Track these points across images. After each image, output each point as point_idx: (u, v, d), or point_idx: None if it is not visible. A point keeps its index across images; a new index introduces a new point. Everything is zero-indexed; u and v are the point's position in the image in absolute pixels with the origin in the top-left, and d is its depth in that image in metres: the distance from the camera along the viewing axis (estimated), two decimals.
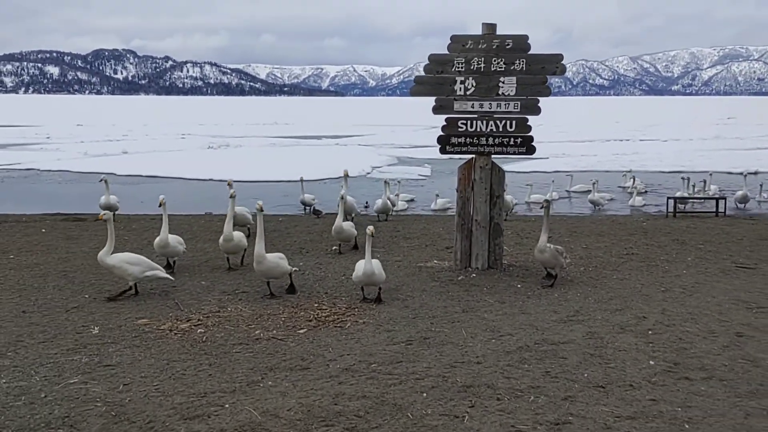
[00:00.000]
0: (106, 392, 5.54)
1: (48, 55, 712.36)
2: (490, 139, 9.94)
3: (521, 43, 9.75)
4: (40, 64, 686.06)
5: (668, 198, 17.68)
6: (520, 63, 9.70)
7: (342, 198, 11.49)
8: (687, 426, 5.00)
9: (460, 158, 10.29)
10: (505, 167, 10.32)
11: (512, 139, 9.94)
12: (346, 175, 14.14)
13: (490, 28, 9.84)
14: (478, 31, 9.95)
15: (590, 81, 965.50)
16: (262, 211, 8.66)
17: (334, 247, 11.62)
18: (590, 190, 21.04)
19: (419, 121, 68.68)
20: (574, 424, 5.01)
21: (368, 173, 27.57)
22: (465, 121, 9.98)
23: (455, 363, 6.20)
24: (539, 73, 9.74)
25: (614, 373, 5.98)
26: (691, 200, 18.23)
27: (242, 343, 6.75)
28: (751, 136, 49.60)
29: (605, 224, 14.69)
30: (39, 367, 6.09)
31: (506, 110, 9.85)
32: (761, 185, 20.65)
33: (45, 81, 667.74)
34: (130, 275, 8.31)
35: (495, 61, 9.73)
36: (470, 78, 9.82)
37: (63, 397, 5.43)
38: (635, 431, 4.93)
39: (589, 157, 34.48)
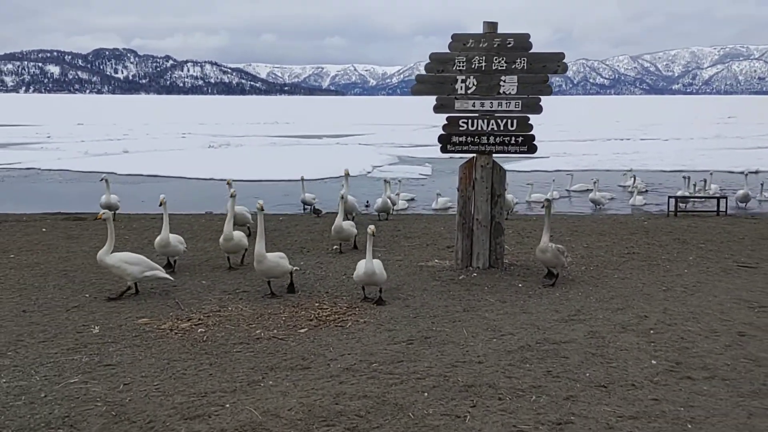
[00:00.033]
0: (106, 392, 5.52)
1: (48, 54, 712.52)
2: (492, 138, 9.91)
3: (522, 41, 9.73)
4: (40, 64, 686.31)
5: (669, 197, 17.65)
6: (521, 62, 9.68)
7: (342, 197, 11.48)
8: (690, 426, 4.98)
9: (460, 157, 10.27)
10: (506, 166, 10.30)
11: (513, 138, 9.92)
12: (347, 175, 14.12)
13: (492, 26, 9.82)
14: (478, 30, 9.94)
15: (591, 80, 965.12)
16: (262, 210, 8.64)
17: (334, 247, 11.61)
18: (590, 189, 21.02)
19: (420, 121, 68.69)
20: (576, 424, 4.99)
21: (369, 172, 27.55)
22: (466, 120, 9.96)
23: (456, 362, 6.19)
24: (540, 72, 9.72)
25: (616, 373, 5.96)
26: (692, 199, 18.20)
27: (243, 343, 6.73)
28: (752, 135, 49.57)
29: (606, 223, 14.67)
30: (39, 366, 6.07)
31: (507, 109, 9.83)
32: (762, 184, 20.61)
33: (45, 80, 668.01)
34: (129, 275, 8.29)
35: (496, 59, 9.71)
36: (471, 77, 9.80)
37: (63, 397, 5.42)
38: (638, 431, 4.91)
39: (590, 156, 34.45)
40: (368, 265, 7.97)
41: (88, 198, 19.01)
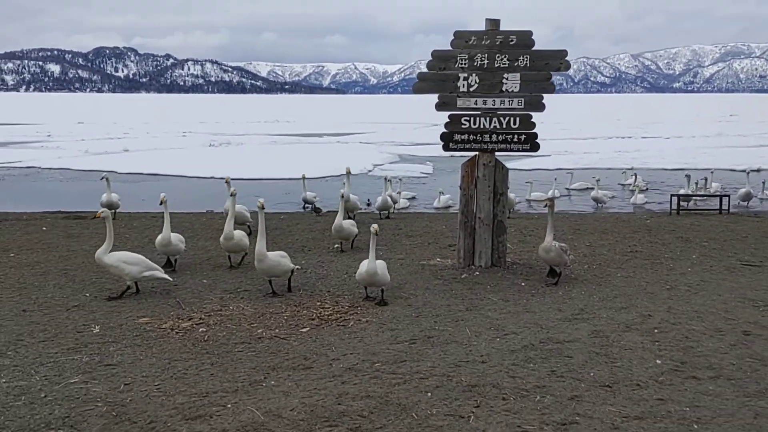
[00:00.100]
0: (106, 392, 5.48)
1: (49, 53, 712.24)
2: (494, 136, 9.86)
3: (525, 39, 9.67)
4: (41, 63, 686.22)
5: (672, 195, 17.59)
6: (523, 59, 9.62)
7: (342, 196, 11.43)
8: (696, 426, 4.93)
9: (462, 156, 10.22)
10: (507, 165, 10.25)
11: (516, 136, 9.86)
12: (348, 173, 14.07)
13: (494, 23, 9.76)
14: (480, 28, 9.88)
15: (591, 78, 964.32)
16: (263, 208, 8.59)
17: (336, 245, 11.56)
18: (590, 188, 20.99)
19: (421, 119, 68.64)
20: (581, 425, 4.94)
21: (370, 171, 27.51)
22: (468, 118, 9.91)
23: (460, 362, 6.14)
24: (543, 70, 9.66)
25: (621, 373, 5.91)
26: (694, 197, 18.15)
27: (244, 342, 6.68)
28: (754, 134, 49.51)
29: (608, 222, 14.62)
30: (39, 366, 6.03)
31: (510, 107, 9.77)
32: (764, 182, 20.56)
33: (46, 79, 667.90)
34: (128, 275, 8.23)
35: (498, 57, 9.65)
36: (474, 74, 9.74)
37: (63, 397, 5.37)
38: (643, 431, 4.86)
39: (591, 155, 34.41)
40: (370, 265, 7.91)
41: (88, 197, 18.98)
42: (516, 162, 28.14)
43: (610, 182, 23.03)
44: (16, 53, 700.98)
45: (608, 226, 13.95)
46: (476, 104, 9.83)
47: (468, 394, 5.45)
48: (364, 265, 8.01)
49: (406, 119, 74.18)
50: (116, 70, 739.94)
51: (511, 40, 9.65)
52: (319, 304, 8.06)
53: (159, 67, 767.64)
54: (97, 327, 7.15)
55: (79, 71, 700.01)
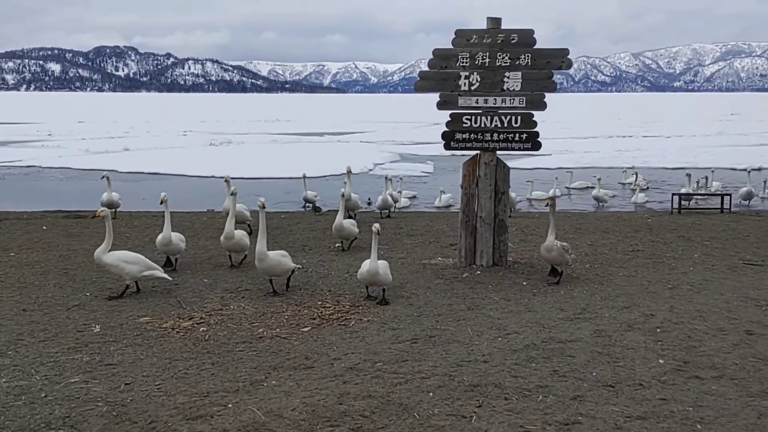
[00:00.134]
0: (107, 392, 5.45)
1: (49, 52, 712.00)
2: (495, 135, 9.83)
3: (526, 37, 9.64)
4: (41, 62, 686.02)
5: (673, 194, 17.57)
6: (525, 58, 9.59)
7: (343, 195, 11.39)
8: (699, 426, 4.90)
9: (462, 155, 10.19)
10: (507, 164, 10.21)
11: (517, 135, 9.84)
12: (349, 172, 14.05)
13: (495, 22, 9.73)
14: (481, 27, 9.84)
15: (592, 77, 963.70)
16: (264, 208, 8.56)
17: (337, 245, 11.53)
18: (590, 187, 20.99)
19: (421, 118, 68.60)
20: (583, 425, 4.92)
21: (370, 170, 27.49)
22: (470, 117, 9.88)
23: (461, 362, 6.11)
24: (545, 68, 9.63)
25: (623, 372, 5.88)
26: (695, 196, 18.12)
27: (245, 342, 6.66)
28: (754, 132, 49.48)
29: (610, 221, 14.59)
30: (39, 366, 6.01)
31: (511, 105, 9.75)
32: (765, 181, 20.53)
33: (46, 78, 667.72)
34: (128, 274, 8.20)
35: (500, 55, 9.63)
36: (475, 73, 9.71)
37: (64, 397, 5.35)
38: (646, 431, 4.84)
39: (591, 154, 34.38)
40: (372, 265, 7.88)
41: (88, 196, 18.96)
42: (517, 161, 28.09)
43: (610, 181, 23.00)
44: (16, 52, 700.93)
45: (609, 225, 13.92)
46: (477, 103, 9.80)
47: (470, 393, 5.43)
48: (365, 265, 7.98)
49: (407, 118, 74.14)
50: (117, 69, 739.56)
51: (513, 39, 9.62)
52: (320, 303, 8.03)
53: (159, 66, 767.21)
54: (97, 326, 7.13)
55: (80, 70, 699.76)
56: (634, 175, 22.33)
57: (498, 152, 9.95)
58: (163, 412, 5.10)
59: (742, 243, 11.84)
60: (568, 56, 9.69)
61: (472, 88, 9.75)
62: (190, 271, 9.78)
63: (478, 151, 9.94)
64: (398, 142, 43.34)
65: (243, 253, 10.04)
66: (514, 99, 9.71)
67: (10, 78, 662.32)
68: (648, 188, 21.98)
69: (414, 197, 20.15)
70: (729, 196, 17.07)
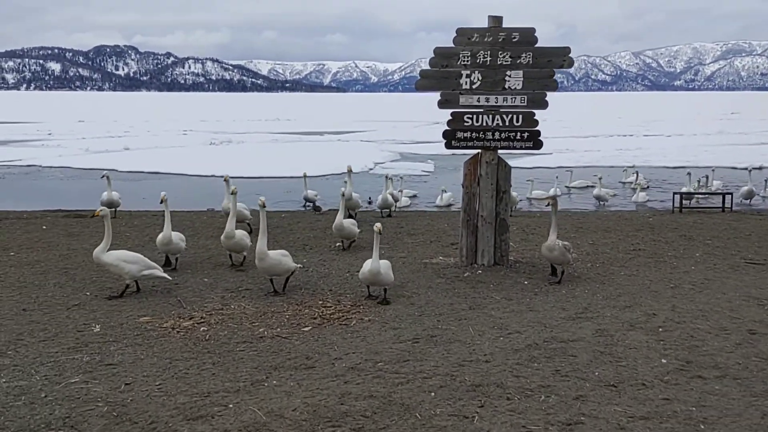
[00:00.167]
0: (107, 392, 5.43)
1: (49, 51, 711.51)
2: (497, 134, 9.80)
3: (528, 36, 9.61)
4: (41, 61, 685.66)
5: (674, 193, 17.54)
6: (526, 56, 9.56)
7: (343, 195, 11.35)
8: (702, 426, 4.87)
9: (463, 154, 10.16)
10: (508, 163, 10.18)
11: (519, 134, 9.81)
12: (350, 171, 14.02)
13: (497, 20, 9.70)
14: (481, 25, 9.80)
15: (592, 76, 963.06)
16: (264, 207, 8.53)
17: (337, 244, 11.50)
18: (590, 186, 20.99)
19: (421, 117, 68.58)
20: (586, 425, 4.89)
21: (371, 169, 27.46)
22: (471, 116, 9.85)
23: (463, 361, 6.09)
24: (546, 67, 9.60)
25: (626, 372, 5.86)
26: (696, 195, 18.10)
27: (246, 342, 6.63)
28: (755, 131, 49.44)
29: (611, 220, 14.56)
30: (39, 366, 5.98)
31: (513, 104, 9.72)
32: (766, 180, 20.50)
33: (46, 78, 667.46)
34: (127, 273, 8.16)
35: (501, 54, 9.59)
36: (476, 72, 9.68)
37: (64, 397, 5.32)
38: (649, 431, 4.82)
39: (592, 153, 34.35)
40: (374, 265, 7.85)
41: (89, 195, 18.94)
42: (517, 160, 28.07)
43: (611, 180, 22.98)
44: (16, 52, 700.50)
45: (611, 224, 13.89)
46: (479, 102, 9.77)
47: (472, 393, 5.40)
48: (367, 265, 7.94)
49: (407, 117, 74.12)
50: (117, 69, 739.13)
51: (514, 37, 9.59)
52: (321, 303, 8.01)
53: (160, 66, 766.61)
54: (97, 326, 7.10)
55: (80, 70, 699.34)
56: (635, 174, 22.31)
57: (499, 151, 9.92)
58: (163, 412, 5.08)
59: (743, 242, 11.81)
60: (570, 55, 9.66)
61: (474, 86, 9.72)
62: (190, 270, 9.75)
63: (480, 150, 9.91)
64: (399, 141, 43.32)
65: (243, 253, 9.99)
66: (515, 98, 9.68)
67: (10, 77, 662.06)
68: (648, 187, 21.95)
69: (414, 196, 20.13)
70: (730, 195, 17.05)
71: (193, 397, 5.35)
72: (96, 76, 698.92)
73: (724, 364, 6.02)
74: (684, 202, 16.93)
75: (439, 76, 9.84)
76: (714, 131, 50.32)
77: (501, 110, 9.77)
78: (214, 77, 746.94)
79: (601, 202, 18.86)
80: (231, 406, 5.18)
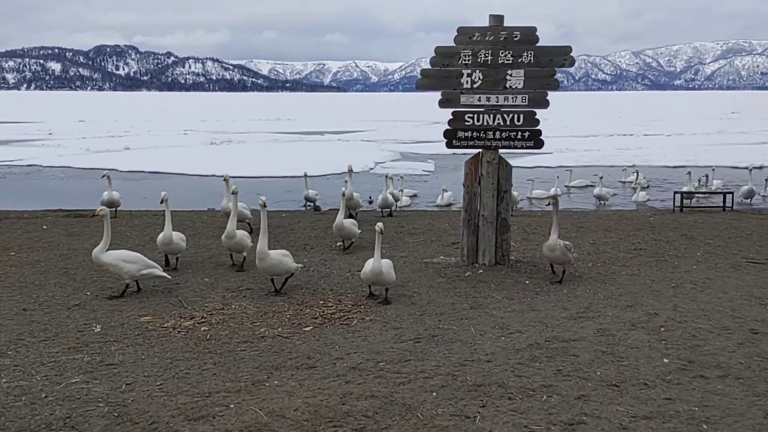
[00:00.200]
0: (108, 392, 5.42)
1: (50, 51, 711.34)
2: (498, 133, 9.79)
3: (529, 35, 9.58)
4: (41, 61, 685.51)
5: (675, 192, 17.53)
6: (527, 55, 9.54)
7: (344, 194, 11.32)
8: (705, 426, 4.86)
9: (463, 153, 10.14)
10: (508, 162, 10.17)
11: (520, 133, 9.79)
12: (350, 171, 14.01)
13: (498, 19, 9.68)
14: (481, 25, 9.77)
15: (592, 76, 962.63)
16: (265, 206, 8.50)
17: (338, 243, 11.48)
18: (589, 185, 20.98)
19: (422, 117, 68.58)
20: (588, 425, 4.87)
21: (371, 169, 27.45)
22: (472, 115, 9.83)
23: (465, 361, 6.07)
24: (547, 66, 9.58)
25: (627, 372, 5.84)
26: (697, 195, 18.08)
27: (247, 342, 6.62)
28: (755, 131, 49.40)
29: (612, 219, 14.55)
30: (40, 366, 5.97)
31: (514, 104, 9.69)
32: (766, 180, 20.48)
33: (47, 77, 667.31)
34: (127, 273, 8.14)
35: (502, 53, 9.57)
36: (477, 71, 9.66)
37: (64, 397, 5.31)
38: (652, 431, 4.80)
39: (592, 152, 34.33)
40: (375, 264, 7.83)
41: (89, 195, 18.92)
42: (517, 159, 28.04)
43: (610, 180, 22.96)
44: (17, 51, 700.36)
45: (611, 223, 13.88)
46: (480, 101, 9.75)
47: (474, 393, 5.39)
48: (369, 264, 7.93)
49: (408, 117, 74.10)
50: (117, 68, 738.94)
51: (515, 36, 9.57)
52: (322, 302, 7.99)
53: (160, 65, 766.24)
54: (98, 326, 7.09)
55: (80, 69, 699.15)
56: (635, 174, 22.29)
57: (500, 150, 9.90)
58: (164, 412, 5.07)
59: (745, 241, 11.80)
60: (571, 54, 9.65)
61: (475, 86, 9.70)
62: (191, 270, 9.74)
63: (481, 150, 9.89)
64: (399, 140, 43.31)
65: (243, 254, 9.94)
66: (516, 97, 9.66)
67: (10, 77, 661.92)
68: (648, 186, 21.94)
69: (415, 196, 20.12)
70: (731, 195, 17.03)
71: (194, 397, 5.33)
72: (96, 75, 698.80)
73: (726, 364, 6.01)
74: (685, 201, 16.92)
75: (440, 75, 9.82)
76: (714, 131, 50.28)
77: (502, 109, 9.75)
78: (214, 77, 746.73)
79: (602, 202, 18.85)
80: (232, 406, 5.17)
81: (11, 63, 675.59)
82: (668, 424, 4.88)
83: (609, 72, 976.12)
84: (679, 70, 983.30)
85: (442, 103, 9.92)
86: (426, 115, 66.68)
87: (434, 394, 5.38)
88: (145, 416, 5.00)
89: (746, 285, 8.76)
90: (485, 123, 9.79)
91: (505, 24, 9.70)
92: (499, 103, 9.72)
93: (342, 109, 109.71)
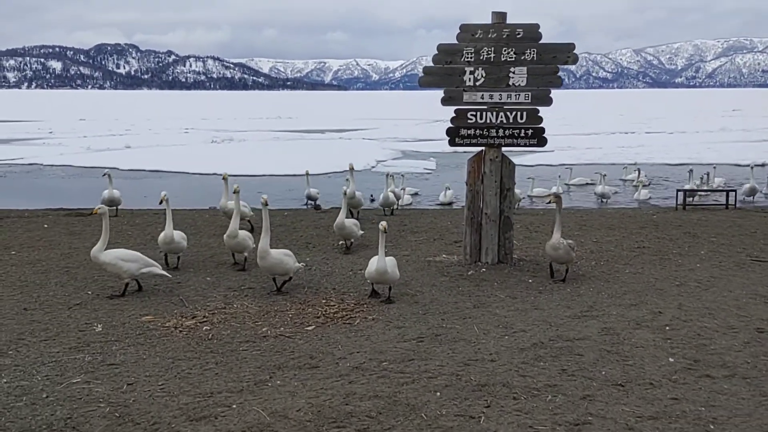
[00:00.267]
0: (109, 392, 5.37)
1: (51, 50, 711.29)
2: (501, 131, 9.73)
3: (532, 32, 9.53)
4: (42, 59, 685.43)
5: (678, 190, 17.47)
6: (530, 52, 9.48)
7: (345, 194, 11.24)
8: (712, 427, 4.81)
9: (465, 151, 10.09)
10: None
11: (523, 131, 9.74)
12: (352, 169, 13.95)
13: (500, 16, 9.63)
14: (481, 23, 9.73)
15: (593, 74, 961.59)
16: (266, 205, 8.45)
17: (340, 242, 11.42)
18: (589, 183, 20.92)
19: (423, 115, 68.53)
20: (594, 425, 4.83)
21: (373, 167, 27.37)
22: (475, 113, 9.78)
23: (468, 361, 6.03)
24: (550, 63, 9.53)
25: (633, 371, 5.79)
26: (699, 193, 18.01)
27: (249, 341, 6.58)
28: (757, 128, 49.26)
29: (615, 217, 14.49)
30: (41, 366, 5.93)
31: (517, 101, 9.65)
32: None
33: (48, 76, 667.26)
34: (126, 272, 8.09)
35: (505, 50, 9.52)
36: (480, 68, 9.61)
37: (65, 398, 5.27)
38: None
39: (594, 150, 34.24)
40: (380, 263, 7.78)
41: (90, 193, 18.88)
42: (518, 157, 27.91)
43: (611, 178, 22.90)
44: (17, 50, 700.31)
45: (614, 221, 13.82)
46: (483, 98, 9.70)
47: (478, 393, 5.34)
48: (373, 263, 7.87)
49: (409, 115, 74.02)
50: (118, 67, 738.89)
51: (518, 34, 9.51)
52: (324, 301, 7.95)
53: (161, 64, 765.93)
54: (99, 325, 7.05)
55: (81, 68, 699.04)
56: (637, 171, 22.22)
57: (503, 148, 9.85)
58: (166, 413, 5.02)
59: (749, 239, 11.74)
60: (574, 51, 9.59)
61: (477, 83, 9.65)
62: (192, 269, 9.69)
63: (483, 148, 9.83)
64: (400, 139, 43.24)
65: (245, 254, 9.87)
66: (519, 94, 9.61)
67: (11, 76, 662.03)
68: (650, 184, 21.87)
69: (416, 194, 20.06)
70: (734, 192, 16.96)
71: (196, 397, 5.29)
72: (97, 74, 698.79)
73: (732, 363, 5.96)
74: (687, 199, 16.85)
75: (443, 72, 9.77)
76: (716, 128, 50.16)
77: (505, 107, 9.70)
78: (215, 75, 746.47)
79: (604, 200, 18.79)
80: (234, 406, 5.12)
81: (12, 62, 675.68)
82: (675, 425, 4.83)
83: (610, 70, 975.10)
84: (680, 67, 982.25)
85: (445, 101, 9.86)
86: (427, 113, 66.63)
87: (438, 394, 5.33)
88: (146, 417, 4.96)
89: (751, 283, 8.71)
90: (488, 121, 9.74)
91: (507, 21, 9.64)
92: (502, 101, 9.67)
93: (343, 107, 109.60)
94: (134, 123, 58.80)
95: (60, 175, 26.13)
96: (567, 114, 70.00)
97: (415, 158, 31.41)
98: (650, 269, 9.57)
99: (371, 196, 18.40)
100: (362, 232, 11.20)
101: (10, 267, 9.75)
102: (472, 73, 9.63)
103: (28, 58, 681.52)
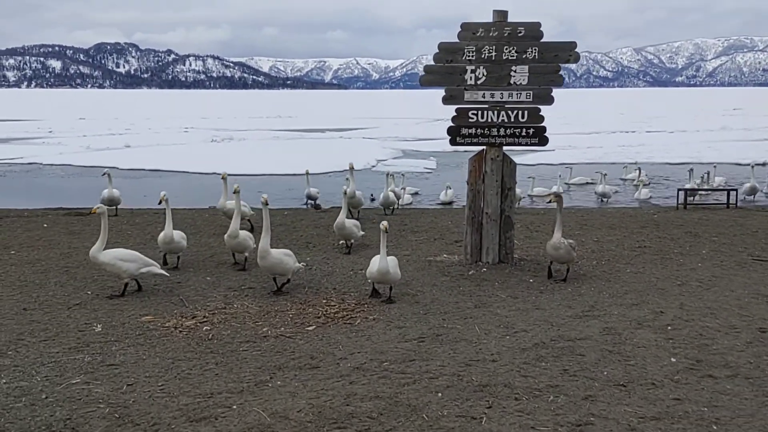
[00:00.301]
0: (109, 393, 5.35)
1: (50, 49, 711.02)
2: (502, 130, 9.70)
3: (534, 30, 9.50)
4: (42, 59, 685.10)
5: (679, 190, 17.43)
6: (532, 51, 9.45)
7: (345, 193, 11.20)
8: (715, 427, 4.79)
9: (465, 151, 10.07)
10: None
11: (524, 130, 9.71)
12: (352, 168, 13.91)
13: (502, 15, 9.59)
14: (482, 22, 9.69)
15: (594, 73, 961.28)
16: (267, 204, 8.42)
17: (340, 242, 11.39)
18: (589, 183, 20.88)
19: (423, 114, 68.49)
20: (596, 425, 4.80)
21: (373, 166, 27.34)
22: (476, 112, 9.74)
23: (470, 361, 6.00)
24: (552, 62, 9.50)
25: (635, 371, 5.77)
26: (700, 192, 17.98)
27: (249, 341, 6.55)
28: (758, 127, 49.22)
29: (615, 217, 14.46)
30: (40, 366, 5.90)
31: (518, 100, 9.61)
32: None
33: (47, 75, 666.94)
34: (125, 272, 8.06)
35: (507, 49, 9.48)
36: (481, 67, 9.57)
37: (65, 398, 5.24)
38: None
39: (595, 149, 34.20)
40: (382, 263, 7.75)
41: (89, 193, 18.84)
42: (519, 156, 27.87)
43: (611, 177, 22.86)
44: (17, 49, 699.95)
45: (615, 221, 13.79)
46: (484, 97, 9.66)
47: (479, 394, 5.32)
48: (375, 263, 7.84)
49: (409, 114, 73.96)
50: (117, 66, 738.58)
51: (520, 32, 9.48)
52: (324, 301, 7.92)
53: (160, 63, 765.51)
54: (99, 326, 7.02)
55: (81, 67, 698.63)
56: (637, 171, 22.19)
57: (504, 147, 9.82)
58: (166, 413, 5.00)
59: (750, 239, 11.71)
60: (576, 49, 9.56)
61: (479, 82, 9.62)
62: (192, 269, 9.66)
63: (485, 147, 9.80)
64: (401, 138, 43.20)
65: (245, 254, 9.84)
66: (520, 93, 9.58)
67: (11, 75, 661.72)
68: (650, 183, 21.84)
69: (416, 193, 20.02)
70: (735, 192, 16.93)
71: (196, 398, 5.26)
72: (97, 73, 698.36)
73: (735, 363, 5.93)
74: (688, 198, 16.82)
75: (444, 71, 9.73)
76: (717, 127, 50.12)
77: (506, 106, 9.67)
78: (215, 74, 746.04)
79: (604, 199, 18.76)
80: (234, 407, 5.10)
81: (12, 61, 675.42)
82: (677, 425, 4.81)
83: (611, 69, 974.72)
84: (680, 66, 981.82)
85: (446, 100, 9.83)
86: (427, 113, 66.59)
87: (439, 394, 5.31)
88: (146, 417, 4.93)
89: (753, 283, 8.69)
90: (489, 120, 9.71)
91: (508, 20, 9.60)
92: (503, 100, 9.63)
93: (343, 106, 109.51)
94: (134, 122, 58.76)
95: (59, 174, 26.11)
96: (567, 113, 69.94)
97: (416, 157, 31.38)
98: (651, 269, 9.54)
99: (371, 195, 18.37)
100: (363, 233, 11.14)
101: (9, 267, 9.72)
102: (473, 71, 9.59)
103: (27, 57, 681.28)
